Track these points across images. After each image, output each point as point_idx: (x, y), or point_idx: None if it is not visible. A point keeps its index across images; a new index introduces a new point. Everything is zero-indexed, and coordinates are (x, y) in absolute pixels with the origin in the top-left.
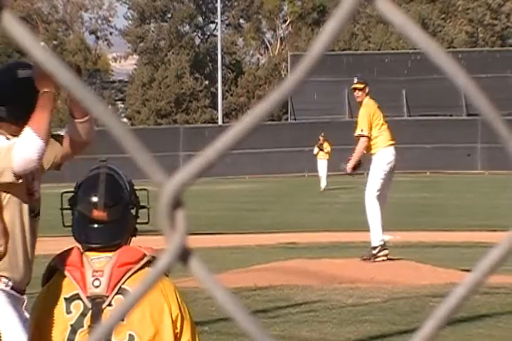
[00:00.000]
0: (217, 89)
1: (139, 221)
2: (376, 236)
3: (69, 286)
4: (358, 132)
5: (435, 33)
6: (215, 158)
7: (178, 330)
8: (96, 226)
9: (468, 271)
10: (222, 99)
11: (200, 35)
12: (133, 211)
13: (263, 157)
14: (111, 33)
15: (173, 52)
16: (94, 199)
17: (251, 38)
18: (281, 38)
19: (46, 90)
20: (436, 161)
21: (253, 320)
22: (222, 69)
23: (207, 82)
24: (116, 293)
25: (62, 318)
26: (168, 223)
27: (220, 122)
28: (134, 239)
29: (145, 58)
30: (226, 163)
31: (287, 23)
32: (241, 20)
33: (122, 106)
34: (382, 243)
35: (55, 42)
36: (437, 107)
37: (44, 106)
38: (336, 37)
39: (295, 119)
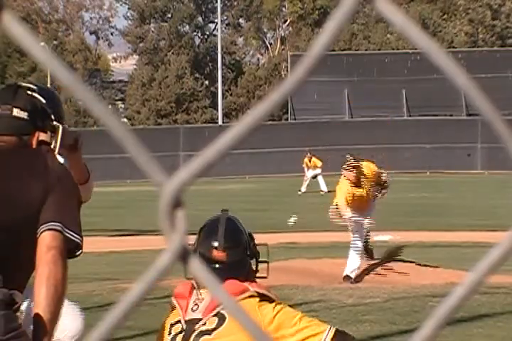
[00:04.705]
0: (217, 89)
1: (258, 275)
2: (351, 266)
3: (176, 314)
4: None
5: (435, 33)
6: (215, 158)
7: None
8: (215, 266)
9: (468, 270)
10: (222, 99)
11: (200, 35)
12: (252, 262)
13: (263, 157)
14: (112, 34)
15: (173, 52)
16: (214, 240)
17: (252, 38)
18: (281, 37)
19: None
20: (436, 161)
21: (253, 319)
22: (222, 69)
23: (207, 82)
24: (213, 316)
25: (165, 340)
26: (168, 223)
27: (220, 122)
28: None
29: (145, 58)
30: (226, 163)
31: (287, 23)
32: (241, 20)
33: (122, 106)
34: (352, 275)
35: (55, 42)
36: (437, 107)
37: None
38: (336, 37)
39: (295, 119)
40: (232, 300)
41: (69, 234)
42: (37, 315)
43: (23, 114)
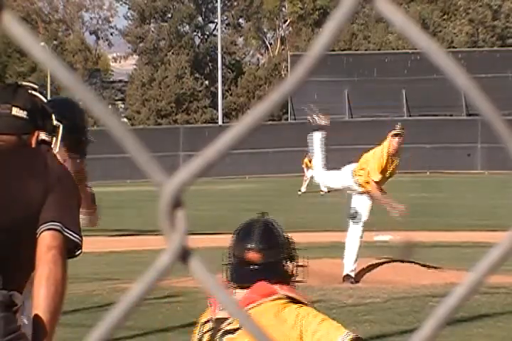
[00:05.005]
0: (217, 89)
1: (296, 279)
2: (349, 265)
3: (208, 313)
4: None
5: (435, 33)
6: (215, 158)
7: None
8: (249, 267)
9: (468, 270)
10: (222, 99)
11: (200, 35)
12: (290, 265)
13: (263, 157)
14: (112, 34)
15: (173, 52)
16: (250, 242)
17: (252, 38)
18: (281, 37)
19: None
20: (436, 161)
21: (253, 319)
22: (222, 69)
23: (207, 82)
24: None
25: (195, 338)
26: (168, 223)
27: (220, 122)
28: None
29: (145, 58)
30: (226, 163)
31: (287, 23)
32: (241, 20)
33: (122, 106)
34: (352, 273)
35: (55, 42)
36: (437, 107)
37: None
38: (336, 37)
39: (295, 119)
40: (234, 302)
41: (68, 233)
42: (36, 316)
43: (23, 113)
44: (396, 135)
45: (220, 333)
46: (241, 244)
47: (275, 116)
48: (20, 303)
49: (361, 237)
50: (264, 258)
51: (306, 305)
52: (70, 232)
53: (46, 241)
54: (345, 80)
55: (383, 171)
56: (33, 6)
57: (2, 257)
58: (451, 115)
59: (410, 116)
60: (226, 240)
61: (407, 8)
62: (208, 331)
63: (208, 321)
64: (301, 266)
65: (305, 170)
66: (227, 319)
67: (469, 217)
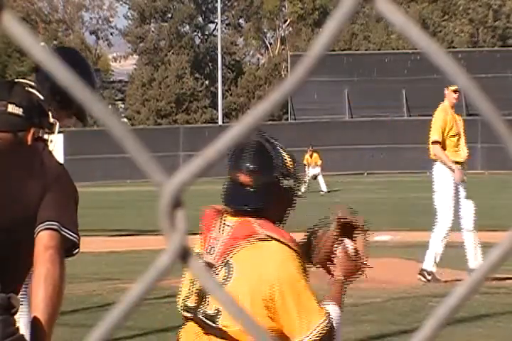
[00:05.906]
0: (217, 89)
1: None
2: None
3: (200, 246)
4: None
5: (435, 33)
6: (215, 158)
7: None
8: (236, 189)
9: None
10: (222, 99)
11: (200, 35)
12: (289, 183)
13: None
14: (112, 34)
15: (173, 53)
16: (239, 163)
17: (252, 38)
18: (281, 37)
19: None
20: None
21: (253, 319)
22: (222, 69)
23: (207, 82)
24: (222, 265)
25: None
26: (168, 223)
27: (220, 122)
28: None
29: (145, 58)
30: (226, 163)
31: (287, 23)
32: (241, 20)
33: (122, 106)
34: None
35: (55, 42)
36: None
37: None
38: (336, 37)
39: (295, 119)
40: (234, 303)
41: (66, 233)
42: (35, 317)
43: (18, 110)
44: (455, 91)
45: None
46: (232, 164)
47: (275, 116)
48: (19, 305)
49: (445, 237)
50: (254, 180)
51: (290, 247)
52: (68, 231)
53: (44, 240)
54: (345, 80)
55: (450, 130)
56: (33, 6)
57: (2, 257)
58: None
59: (410, 116)
60: None
61: (407, 8)
62: None
63: (198, 256)
64: (297, 195)
65: (305, 168)
66: (213, 266)
67: None
